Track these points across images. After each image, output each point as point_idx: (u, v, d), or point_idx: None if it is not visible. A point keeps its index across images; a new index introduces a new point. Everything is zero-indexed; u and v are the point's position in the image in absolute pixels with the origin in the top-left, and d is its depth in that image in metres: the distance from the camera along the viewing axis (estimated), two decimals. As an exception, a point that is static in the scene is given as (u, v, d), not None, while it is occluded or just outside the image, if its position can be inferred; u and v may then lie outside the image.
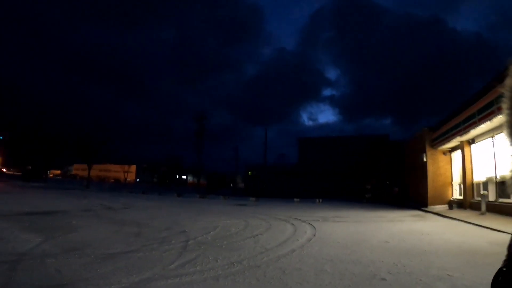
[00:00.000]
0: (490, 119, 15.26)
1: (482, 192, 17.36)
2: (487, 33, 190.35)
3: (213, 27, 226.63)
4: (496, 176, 17.04)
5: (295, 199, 30.61)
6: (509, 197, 15.57)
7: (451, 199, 22.77)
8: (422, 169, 24.64)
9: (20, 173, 46.31)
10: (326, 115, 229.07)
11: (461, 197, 21.61)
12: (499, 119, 13.84)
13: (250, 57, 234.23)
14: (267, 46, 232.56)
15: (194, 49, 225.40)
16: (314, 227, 11.52)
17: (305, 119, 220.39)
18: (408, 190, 28.59)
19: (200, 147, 41.11)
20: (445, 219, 16.27)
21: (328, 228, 11.61)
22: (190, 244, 7.55)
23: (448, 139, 21.18)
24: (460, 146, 21.10)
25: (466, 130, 18.28)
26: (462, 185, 21.57)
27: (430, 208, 22.12)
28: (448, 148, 23.24)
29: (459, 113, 19.08)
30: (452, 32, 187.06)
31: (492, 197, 17.25)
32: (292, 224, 12.41)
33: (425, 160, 24.07)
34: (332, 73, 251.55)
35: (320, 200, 30.60)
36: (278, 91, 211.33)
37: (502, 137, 16.13)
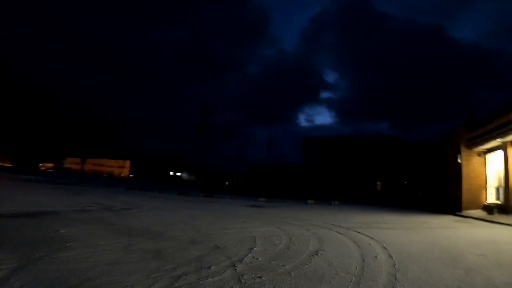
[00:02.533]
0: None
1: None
2: (485, 42, 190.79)
3: (221, 28, 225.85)
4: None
5: (309, 201, 28.04)
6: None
7: (486, 203, 20.62)
8: (455, 170, 22.32)
9: (11, 165, 43.11)
10: (323, 117, 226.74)
11: (498, 202, 19.55)
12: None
13: (253, 58, 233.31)
14: (269, 48, 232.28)
15: (202, 49, 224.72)
16: (372, 237, 9.17)
17: (302, 120, 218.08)
18: (439, 193, 26.19)
19: (202, 142, 38.36)
20: (501, 226, 14.43)
21: (390, 238, 9.27)
22: (241, 271, 4.99)
23: (488, 139, 19.01)
24: (502, 147, 18.73)
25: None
26: (502, 189, 19.28)
27: (465, 212, 19.87)
28: (485, 149, 20.99)
29: (509, 111, 16.85)
30: (452, 39, 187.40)
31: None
32: (339, 232, 10.04)
33: (459, 161, 21.76)
34: (330, 76, 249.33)
35: (336, 202, 28.09)
36: (278, 92, 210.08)
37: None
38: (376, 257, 6.60)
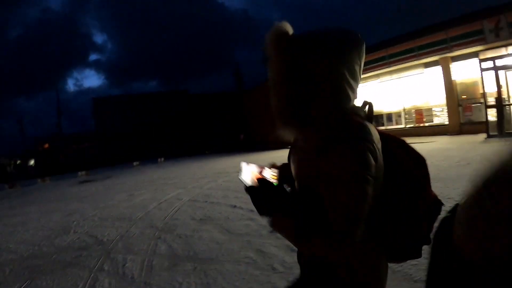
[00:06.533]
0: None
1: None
2: (252, 10, 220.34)
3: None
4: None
5: (134, 163, 26.16)
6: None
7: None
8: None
9: None
10: (92, 80, 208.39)
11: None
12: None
13: (13, 19, 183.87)
14: (33, 7, 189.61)
15: None
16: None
17: (71, 85, 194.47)
18: (255, 135, 28.77)
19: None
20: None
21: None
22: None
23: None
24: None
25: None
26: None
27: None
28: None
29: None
30: (221, 5, 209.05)
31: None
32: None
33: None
34: (99, 38, 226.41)
35: (162, 159, 27.17)
36: (42, 57, 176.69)
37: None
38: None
